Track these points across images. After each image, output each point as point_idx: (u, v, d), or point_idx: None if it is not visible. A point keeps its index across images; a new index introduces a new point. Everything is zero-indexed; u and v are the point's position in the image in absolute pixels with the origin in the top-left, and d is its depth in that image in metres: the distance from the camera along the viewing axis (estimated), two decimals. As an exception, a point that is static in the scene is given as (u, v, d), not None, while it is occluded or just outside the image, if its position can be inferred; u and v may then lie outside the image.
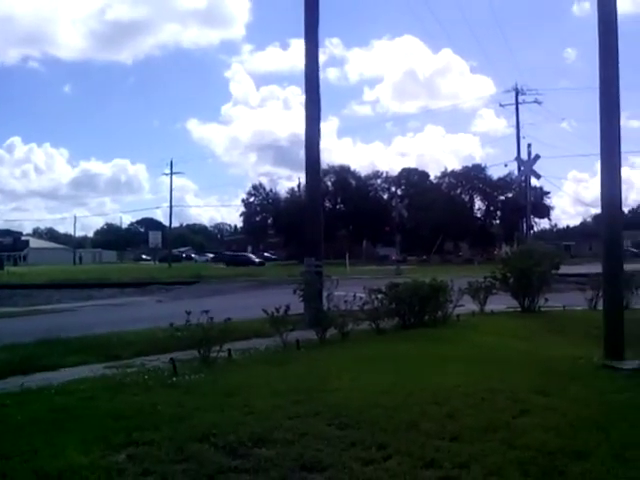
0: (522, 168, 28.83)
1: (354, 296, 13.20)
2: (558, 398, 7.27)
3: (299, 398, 7.23)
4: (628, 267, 20.67)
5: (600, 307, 17.11)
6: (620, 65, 10.10)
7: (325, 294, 13.13)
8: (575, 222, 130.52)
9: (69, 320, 19.68)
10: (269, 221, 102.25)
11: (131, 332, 13.98)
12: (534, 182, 35.27)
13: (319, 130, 17.06)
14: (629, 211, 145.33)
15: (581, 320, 15.05)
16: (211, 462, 5.24)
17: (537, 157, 27.30)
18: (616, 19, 10.15)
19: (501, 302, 17.76)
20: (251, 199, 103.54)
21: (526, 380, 8.20)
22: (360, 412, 6.57)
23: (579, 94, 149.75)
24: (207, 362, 9.99)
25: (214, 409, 6.92)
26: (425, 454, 5.36)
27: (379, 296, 13.81)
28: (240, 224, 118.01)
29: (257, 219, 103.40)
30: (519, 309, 17.42)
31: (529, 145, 27.79)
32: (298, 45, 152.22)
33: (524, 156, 30.08)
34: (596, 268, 26.63)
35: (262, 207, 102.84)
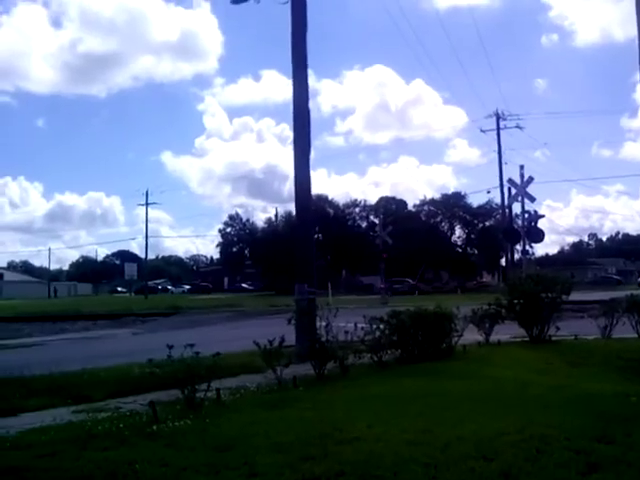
0: (514, 191, 27.58)
1: (355, 326, 11.88)
2: (626, 447, 5.94)
3: (311, 452, 5.86)
4: (614, 294, 19.83)
5: (615, 335, 16.18)
6: None
7: (323, 324, 11.70)
8: (552, 250, 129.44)
9: (37, 355, 18.35)
10: (246, 252, 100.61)
11: (104, 369, 12.50)
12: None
13: (309, 154, 16.03)
14: (607, 239, 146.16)
15: (599, 350, 13.70)
16: None
17: (530, 179, 26.03)
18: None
19: (505, 331, 16.41)
20: (228, 229, 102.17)
21: (577, 423, 6.86)
22: (395, 471, 5.21)
23: (553, 122, 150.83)
24: (193, 405, 8.53)
25: (206, 469, 5.54)
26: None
27: (381, 326, 12.47)
28: (216, 255, 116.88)
29: (234, 249, 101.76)
30: (527, 339, 16.04)
31: (521, 167, 26.54)
32: (269, 76, 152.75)
33: (507, 180, 29.15)
34: (591, 296, 25.86)
35: (239, 237, 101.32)
